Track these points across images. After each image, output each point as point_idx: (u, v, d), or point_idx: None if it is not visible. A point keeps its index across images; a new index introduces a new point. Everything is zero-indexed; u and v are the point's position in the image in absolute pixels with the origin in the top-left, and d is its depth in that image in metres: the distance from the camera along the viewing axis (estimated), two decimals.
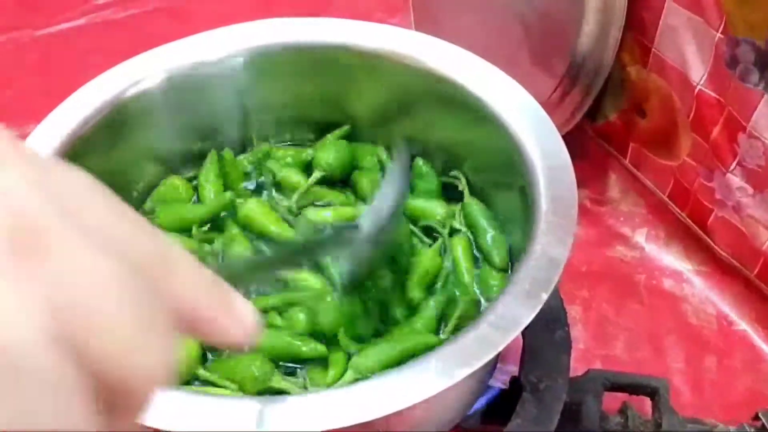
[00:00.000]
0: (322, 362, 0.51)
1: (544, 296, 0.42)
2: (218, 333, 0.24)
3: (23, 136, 0.53)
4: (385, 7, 1.09)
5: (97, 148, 0.55)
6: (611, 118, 0.81)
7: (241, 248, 0.56)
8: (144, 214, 0.60)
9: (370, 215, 0.49)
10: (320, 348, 0.50)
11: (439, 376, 0.39)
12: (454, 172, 0.62)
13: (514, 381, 0.59)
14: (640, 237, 0.80)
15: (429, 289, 0.55)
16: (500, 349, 0.40)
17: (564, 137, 0.79)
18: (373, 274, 0.53)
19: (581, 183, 0.83)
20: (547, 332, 0.60)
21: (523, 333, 0.60)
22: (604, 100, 0.80)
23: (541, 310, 0.60)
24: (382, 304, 0.53)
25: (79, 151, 0.54)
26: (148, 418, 0.38)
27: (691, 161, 0.73)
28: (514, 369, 0.64)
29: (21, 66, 1.00)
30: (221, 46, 0.60)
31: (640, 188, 0.81)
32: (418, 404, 0.39)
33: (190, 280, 0.23)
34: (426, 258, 0.55)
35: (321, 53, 0.62)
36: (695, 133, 0.71)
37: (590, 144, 0.85)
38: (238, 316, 0.24)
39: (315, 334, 0.51)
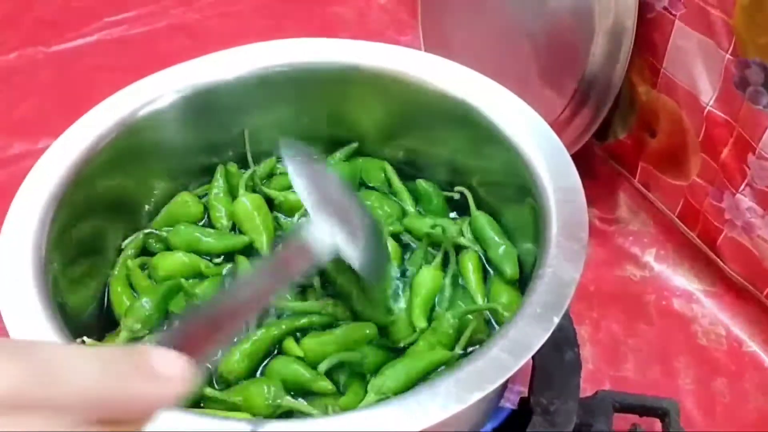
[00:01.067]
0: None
1: (556, 320, 0.42)
2: (135, 403, 0.24)
3: (35, 152, 0.54)
4: (397, 26, 1.10)
5: (110, 166, 0.56)
6: (621, 137, 0.81)
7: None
8: (154, 229, 0.60)
9: (352, 245, 0.45)
10: (329, 387, 0.50)
11: (451, 400, 0.39)
12: (458, 187, 0.62)
13: (524, 402, 0.59)
14: (649, 257, 0.80)
15: (432, 311, 0.55)
16: (512, 372, 0.40)
17: (573, 156, 0.79)
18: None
19: (590, 202, 0.83)
20: (557, 353, 0.59)
21: (534, 354, 0.60)
22: (614, 120, 0.81)
23: (552, 331, 0.61)
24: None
25: (92, 168, 0.54)
26: None
27: (701, 181, 0.73)
28: (523, 390, 0.64)
29: (35, 82, 1.01)
30: (232, 67, 0.60)
31: (649, 208, 0.81)
32: (428, 428, 0.39)
33: (78, 376, 0.23)
34: (426, 279, 0.55)
35: (329, 73, 0.63)
36: (705, 154, 0.71)
37: (600, 163, 0.85)
38: (153, 377, 0.25)
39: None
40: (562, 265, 0.45)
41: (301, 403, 0.48)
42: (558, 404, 0.56)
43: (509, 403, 0.63)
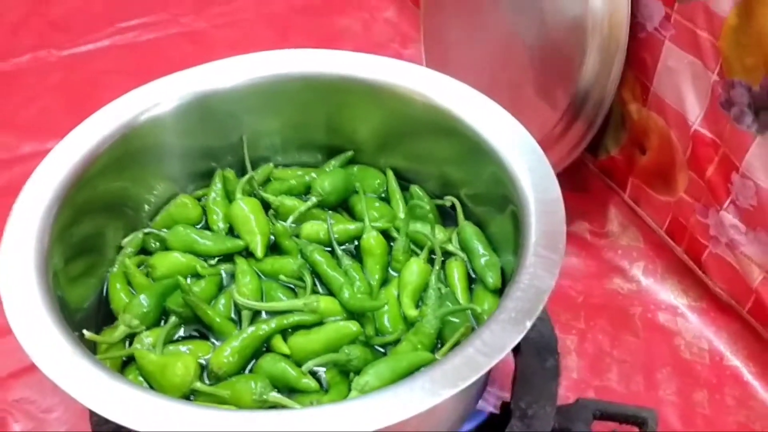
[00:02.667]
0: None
1: (528, 324, 0.44)
2: None
3: (43, 152, 0.56)
4: (400, 39, 1.12)
5: (112, 167, 0.58)
6: (613, 153, 0.83)
7: (247, 279, 0.59)
8: (154, 228, 0.63)
9: None
10: (313, 384, 0.52)
11: (426, 395, 0.42)
12: (448, 197, 0.64)
13: (505, 406, 0.61)
14: (637, 270, 0.82)
15: (421, 300, 0.57)
16: (484, 372, 0.42)
17: (567, 171, 0.82)
18: None
19: (582, 216, 0.87)
20: (538, 360, 0.61)
21: (515, 360, 0.62)
22: (606, 136, 0.83)
23: (534, 338, 0.63)
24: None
25: (95, 169, 0.57)
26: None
27: (688, 198, 0.75)
28: (505, 395, 0.66)
29: (45, 84, 1.04)
30: (233, 75, 0.63)
31: (639, 223, 0.83)
32: (405, 421, 0.41)
33: None
34: (414, 271, 0.58)
35: (327, 83, 0.65)
36: (692, 171, 0.73)
37: (592, 178, 0.87)
38: None
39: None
40: (539, 273, 0.47)
41: (286, 399, 0.50)
42: (536, 408, 0.58)
43: (491, 407, 0.65)
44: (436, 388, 0.42)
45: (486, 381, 0.58)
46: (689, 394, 0.72)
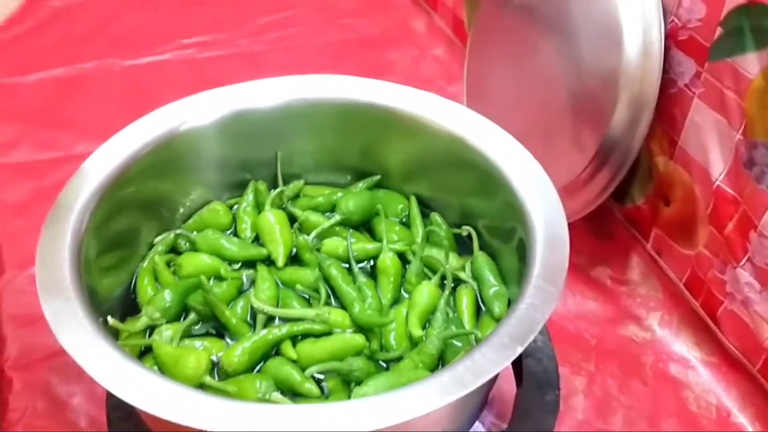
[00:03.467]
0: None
1: (519, 349, 0.47)
2: None
3: None
4: (446, 77, 1.16)
5: (152, 170, 0.63)
6: (638, 203, 0.85)
7: (266, 286, 0.62)
8: (185, 231, 0.66)
9: None
10: (315, 390, 0.55)
11: (412, 405, 0.44)
12: (466, 227, 0.67)
13: None
14: (653, 320, 0.83)
15: (428, 322, 0.60)
16: (470, 389, 0.45)
17: (593, 217, 0.84)
18: None
19: (604, 262, 0.88)
20: (539, 393, 0.63)
21: (517, 392, 0.64)
22: (633, 186, 0.84)
23: (537, 372, 0.65)
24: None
25: (136, 170, 0.61)
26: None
27: (707, 252, 0.76)
28: (502, 425, 0.67)
29: (107, 91, 1.10)
30: (274, 95, 0.67)
31: (659, 273, 0.84)
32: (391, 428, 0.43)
33: None
34: (425, 293, 0.60)
35: (366, 112, 0.69)
36: (712, 226, 0.74)
37: (617, 226, 0.88)
38: None
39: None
40: (536, 304, 0.50)
41: (287, 401, 0.53)
42: None
43: None
44: (424, 399, 0.44)
45: (481, 406, 0.60)
46: None
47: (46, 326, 0.50)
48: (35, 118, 1.06)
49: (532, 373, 0.64)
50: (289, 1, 1.30)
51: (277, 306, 0.61)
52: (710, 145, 0.72)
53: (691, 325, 0.81)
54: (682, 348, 0.80)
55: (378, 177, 0.71)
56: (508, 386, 0.68)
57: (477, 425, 0.69)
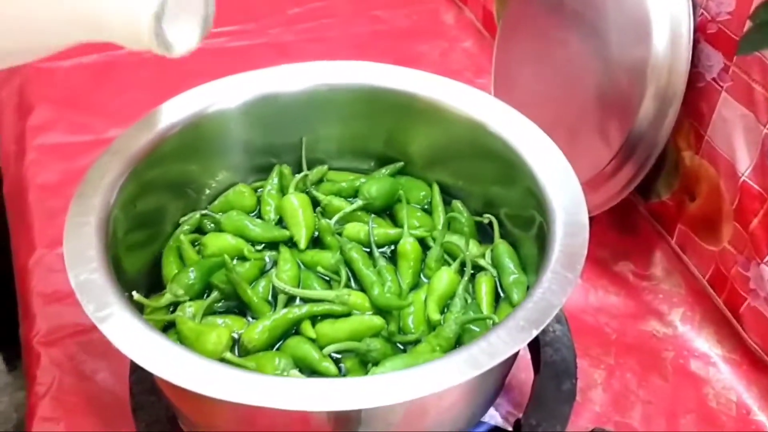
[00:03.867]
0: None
1: (534, 332, 0.47)
2: None
3: None
4: (475, 69, 1.16)
5: (180, 151, 0.64)
6: (664, 198, 0.84)
7: (288, 267, 0.63)
8: (211, 211, 0.68)
9: None
10: (333, 369, 0.56)
11: (426, 382, 0.45)
12: (487, 215, 0.67)
13: (517, 423, 0.63)
14: (675, 316, 0.83)
15: (446, 307, 0.61)
16: (485, 369, 0.45)
17: (617, 212, 0.84)
18: None
19: (628, 256, 0.88)
20: (555, 382, 0.63)
21: (534, 380, 0.64)
22: (659, 181, 0.84)
23: (555, 361, 0.65)
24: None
25: (164, 150, 0.62)
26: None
27: (731, 249, 0.75)
28: (517, 413, 0.68)
29: (136, 78, 1.12)
30: (300, 80, 0.68)
31: (683, 269, 0.84)
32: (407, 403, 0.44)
33: None
34: (441, 279, 0.61)
35: (392, 98, 0.69)
36: (737, 222, 0.74)
37: (642, 221, 0.88)
38: None
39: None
40: (553, 289, 0.50)
41: (304, 378, 0.54)
42: (545, 426, 0.60)
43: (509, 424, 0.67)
44: (437, 378, 0.45)
45: (496, 392, 0.60)
46: None
47: (73, 304, 0.51)
48: (69, 102, 1.08)
49: (550, 362, 0.64)
50: None
51: (299, 287, 0.62)
52: (736, 139, 0.71)
53: (714, 322, 0.80)
54: (704, 344, 0.80)
55: (401, 164, 0.71)
56: (527, 376, 0.68)
57: (494, 414, 0.70)
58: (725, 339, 0.79)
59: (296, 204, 0.66)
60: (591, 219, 0.85)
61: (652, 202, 0.86)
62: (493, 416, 0.69)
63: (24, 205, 0.94)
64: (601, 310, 0.83)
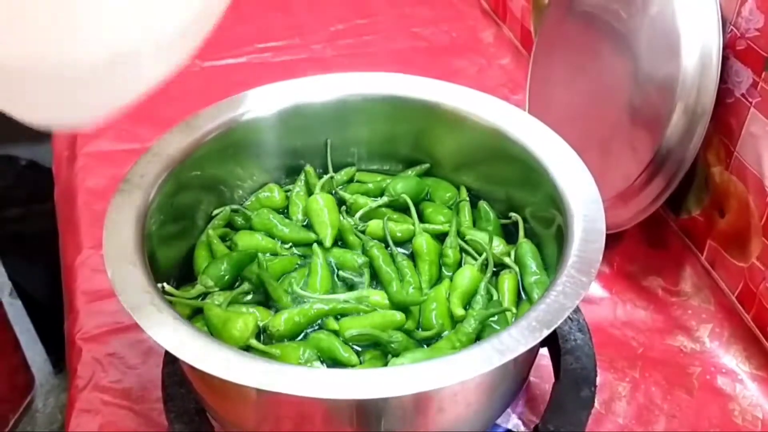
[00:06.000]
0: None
1: (546, 332, 0.48)
2: None
3: None
4: (511, 86, 1.18)
5: (216, 154, 0.67)
6: (694, 213, 0.85)
7: (320, 271, 0.65)
8: (244, 210, 0.71)
9: None
10: (354, 359, 0.58)
11: (438, 377, 0.46)
12: (513, 214, 0.69)
13: (536, 429, 0.64)
14: (703, 332, 0.82)
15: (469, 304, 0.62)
16: (495, 366, 0.46)
17: (648, 226, 0.85)
18: None
19: (657, 271, 0.88)
20: (574, 389, 0.64)
21: (553, 387, 0.65)
22: (689, 196, 0.84)
23: (575, 368, 0.66)
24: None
25: (200, 153, 0.66)
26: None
27: (759, 265, 0.75)
28: (534, 419, 0.68)
29: (185, 89, 1.15)
30: (331, 89, 0.71)
31: (712, 286, 0.84)
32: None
33: None
34: (464, 276, 0.63)
35: (420, 107, 0.72)
36: (765, 238, 0.74)
37: (672, 236, 0.88)
38: None
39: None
40: (566, 291, 0.51)
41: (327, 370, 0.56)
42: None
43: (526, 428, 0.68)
44: (448, 373, 0.46)
45: (512, 394, 0.61)
46: None
47: (114, 302, 0.54)
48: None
49: (570, 370, 0.65)
50: (368, 9, 1.34)
51: (330, 289, 0.64)
52: (765, 154, 0.72)
53: (742, 339, 0.80)
54: (732, 361, 0.80)
55: (427, 165, 0.74)
56: (546, 385, 0.69)
57: (517, 422, 0.71)
58: (753, 356, 0.79)
59: (321, 204, 0.69)
60: (622, 233, 0.87)
61: (683, 218, 0.86)
62: (516, 425, 0.70)
63: (73, 208, 0.99)
64: (628, 324, 0.84)
